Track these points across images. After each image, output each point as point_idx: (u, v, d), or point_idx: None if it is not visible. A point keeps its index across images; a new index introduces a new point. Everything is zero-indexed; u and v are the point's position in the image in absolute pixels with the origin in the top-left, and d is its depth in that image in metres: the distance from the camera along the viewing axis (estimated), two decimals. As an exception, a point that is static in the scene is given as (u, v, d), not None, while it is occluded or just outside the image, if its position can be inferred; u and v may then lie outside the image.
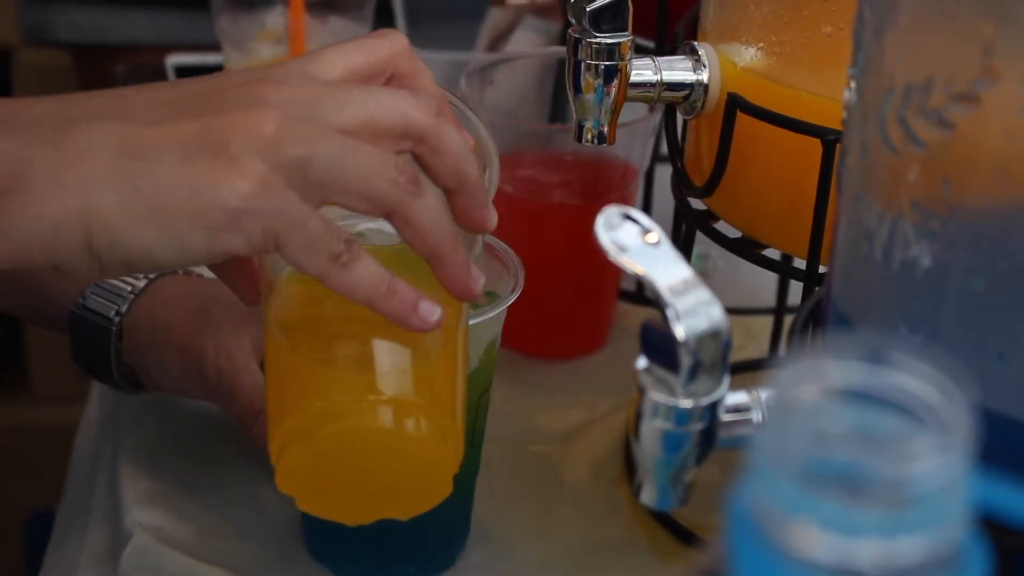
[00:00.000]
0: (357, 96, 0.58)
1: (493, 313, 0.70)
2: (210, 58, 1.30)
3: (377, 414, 0.58)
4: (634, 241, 0.49)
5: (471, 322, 0.65)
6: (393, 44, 0.62)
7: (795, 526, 0.27)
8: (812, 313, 0.59)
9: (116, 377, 0.82)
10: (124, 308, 0.80)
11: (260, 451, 0.81)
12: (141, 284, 0.81)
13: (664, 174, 0.88)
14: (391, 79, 0.62)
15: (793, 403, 0.28)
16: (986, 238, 0.46)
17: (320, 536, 0.77)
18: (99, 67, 1.54)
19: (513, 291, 0.71)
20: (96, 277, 0.76)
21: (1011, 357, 0.46)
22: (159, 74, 1.32)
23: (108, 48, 1.61)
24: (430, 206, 0.57)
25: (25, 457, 1.74)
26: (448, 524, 0.77)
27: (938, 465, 0.27)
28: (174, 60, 1.34)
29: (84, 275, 0.57)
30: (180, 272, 0.83)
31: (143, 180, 0.55)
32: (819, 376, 0.29)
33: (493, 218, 0.60)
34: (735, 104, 0.72)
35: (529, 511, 0.81)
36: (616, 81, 0.73)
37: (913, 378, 0.28)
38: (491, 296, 0.73)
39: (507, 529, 0.80)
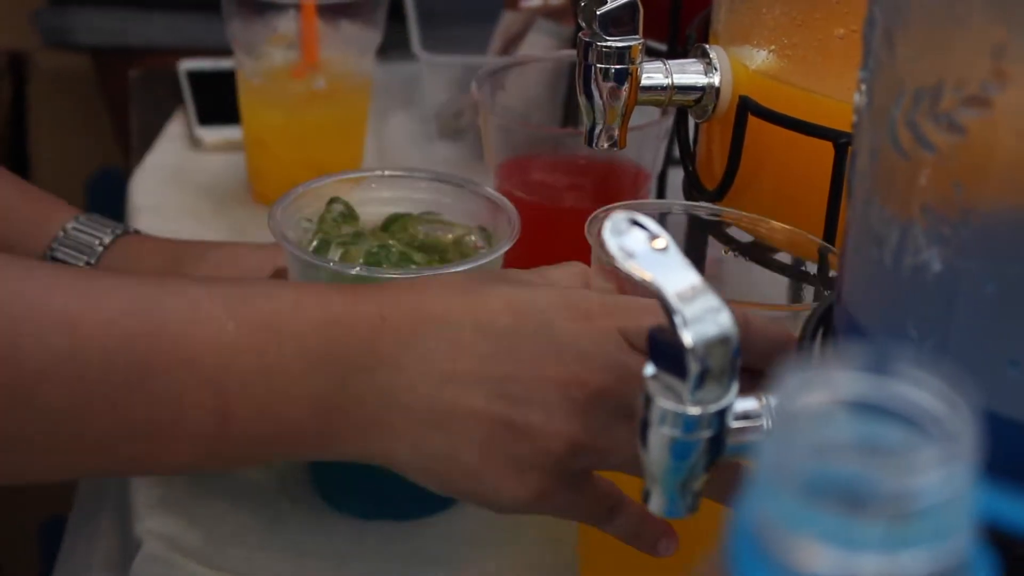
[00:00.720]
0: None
1: (493, 256, 0.73)
2: (223, 63, 1.30)
3: None
4: (641, 247, 0.49)
5: (468, 267, 0.71)
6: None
7: (798, 541, 0.27)
8: (823, 318, 0.58)
9: None
10: (94, 260, 0.83)
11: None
12: (108, 238, 0.84)
13: (677, 177, 0.87)
14: None
15: (796, 415, 0.27)
16: (998, 243, 0.45)
17: (327, 478, 0.80)
18: (117, 70, 1.54)
19: (511, 237, 0.75)
20: None
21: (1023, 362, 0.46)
22: (172, 79, 1.32)
23: (126, 51, 1.61)
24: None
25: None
26: None
27: (943, 477, 0.26)
28: (187, 65, 1.34)
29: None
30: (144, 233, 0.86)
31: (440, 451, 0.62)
32: (822, 387, 0.28)
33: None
34: (747, 107, 0.72)
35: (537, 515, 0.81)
36: (627, 85, 0.73)
37: (918, 389, 0.28)
38: (489, 240, 0.78)
39: (516, 534, 0.79)
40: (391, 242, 0.77)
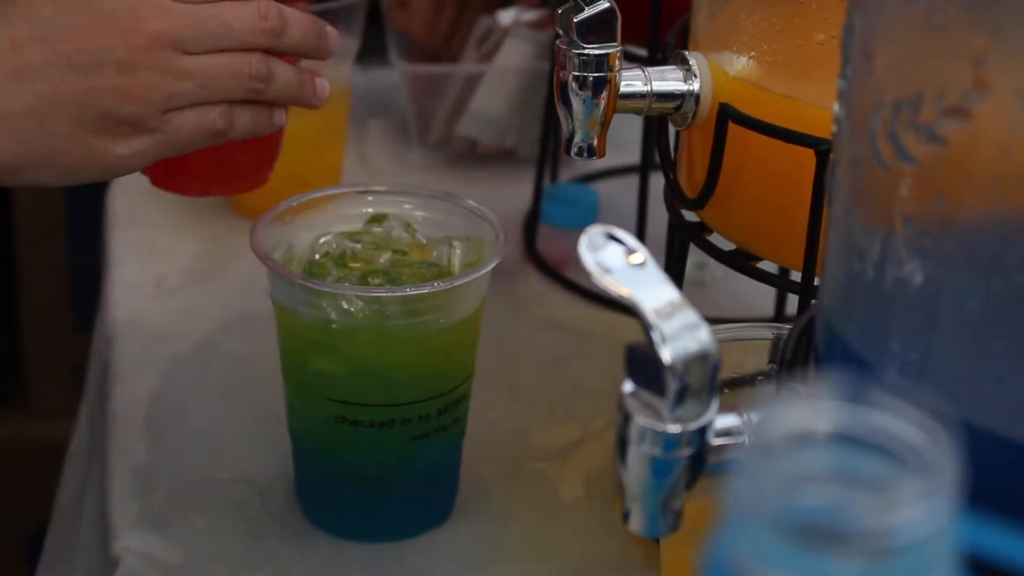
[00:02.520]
0: (212, 31, 0.70)
1: (483, 272, 0.75)
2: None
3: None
4: (618, 262, 0.48)
5: (463, 280, 0.74)
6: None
7: (773, 578, 0.26)
8: (805, 330, 0.57)
9: None
10: None
11: (253, 473, 0.80)
12: None
13: (659, 184, 0.86)
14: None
15: (769, 448, 0.26)
16: (980, 256, 0.45)
17: (310, 494, 0.80)
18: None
19: (498, 251, 0.76)
20: None
21: (1008, 377, 0.45)
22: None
23: None
24: (281, 84, 0.73)
25: (27, 473, 1.73)
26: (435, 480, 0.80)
27: (925, 512, 0.25)
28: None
29: None
30: None
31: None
32: (799, 418, 0.27)
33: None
34: (727, 114, 0.71)
35: (524, 530, 0.80)
36: (605, 93, 0.72)
37: (897, 419, 0.27)
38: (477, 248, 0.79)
39: (503, 549, 0.79)
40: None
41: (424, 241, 0.79)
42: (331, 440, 0.76)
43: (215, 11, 0.69)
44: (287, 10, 0.72)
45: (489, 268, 0.75)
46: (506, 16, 1.10)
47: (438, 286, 0.73)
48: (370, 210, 0.81)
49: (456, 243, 0.79)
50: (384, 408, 0.75)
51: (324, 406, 0.75)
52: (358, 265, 0.77)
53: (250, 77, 0.70)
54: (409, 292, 0.73)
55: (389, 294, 0.73)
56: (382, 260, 0.78)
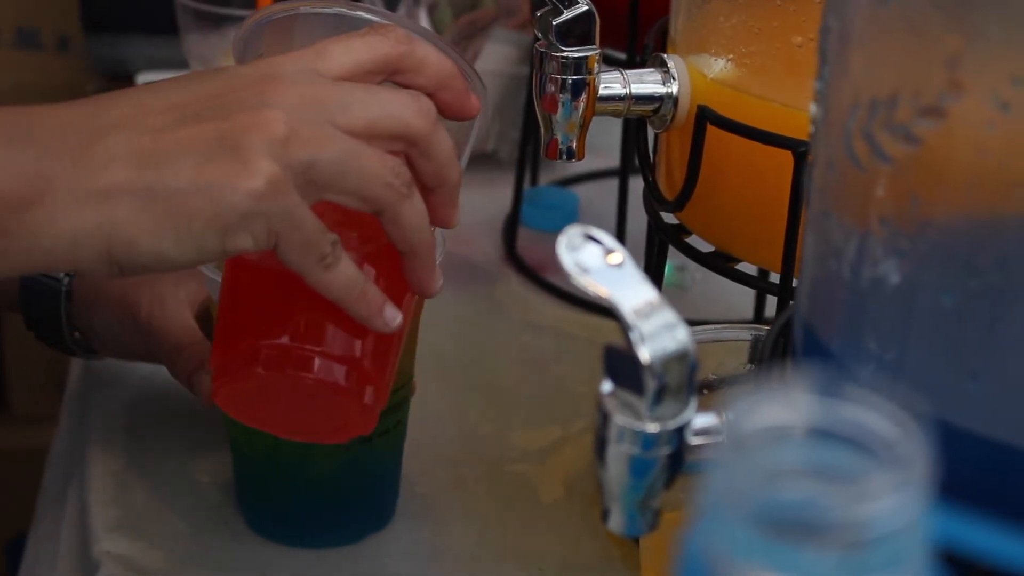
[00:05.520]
0: (361, 98, 0.60)
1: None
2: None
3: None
4: (597, 262, 0.48)
5: None
6: (396, 44, 0.63)
7: (749, 573, 0.26)
8: (783, 330, 0.57)
9: (68, 341, 0.85)
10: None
11: (233, 477, 0.80)
12: None
13: (639, 187, 0.87)
14: (395, 73, 0.64)
15: (744, 442, 0.27)
16: (956, 255, 0.45)
17: (255, 505, 0.80)
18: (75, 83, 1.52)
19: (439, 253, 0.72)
20: (116, 277, 0.78)
21: (983, 376, 0.45)
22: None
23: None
24: (417, 208, 0.61)
25: (6, 480, 1.73)
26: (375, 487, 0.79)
27: (897, 505, 0.26)
28: (145, 79, 1.32)
29: (105, 277, 0.64)
30: None
31: (160, 189, 0.57)
32: (773, 411, 0.27)
33: (458, 216, 0.65)
34: (705, 117, 0.71)
35: (505, 532, 0.80)
36: (584, 95, 0.72)
37: (871, 413, 0.27)
38: None
39: (483, 551, 0.79)
40: None
41: None
42: (272, 447, 0.76)
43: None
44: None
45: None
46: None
47: None
48: None
49: None
50: None
51: None
52: None
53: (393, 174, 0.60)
54: None
55: None
56: None
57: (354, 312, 0.61)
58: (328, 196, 0.59)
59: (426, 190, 0.62)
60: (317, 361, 0.62)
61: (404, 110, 0.61)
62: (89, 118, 0.59)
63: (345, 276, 0.60)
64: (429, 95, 0.63)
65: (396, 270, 0.63)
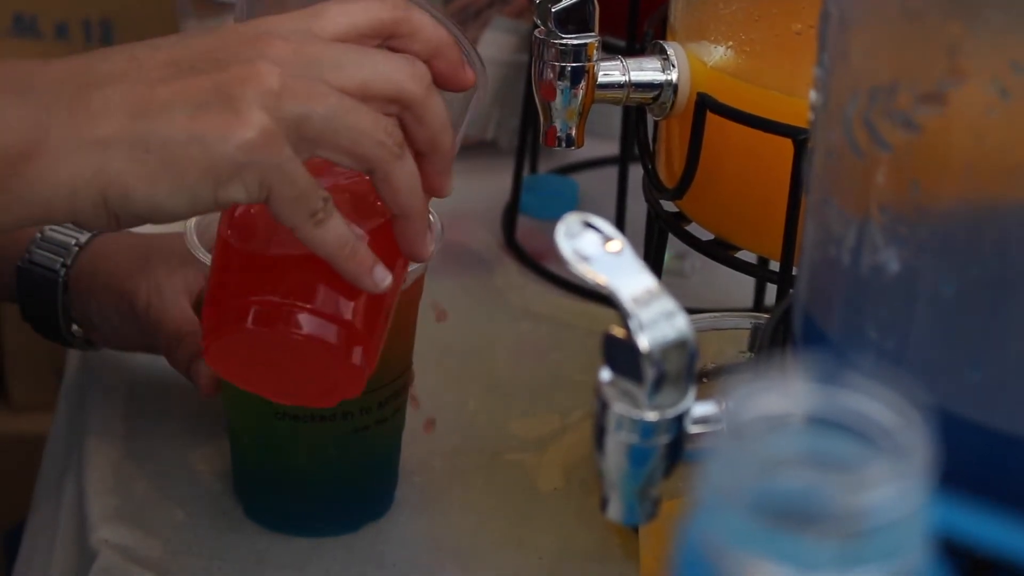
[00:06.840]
0: (355, 58, 0.60)
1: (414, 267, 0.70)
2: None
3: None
4: (596, 250, 0.48)
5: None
6: (392, 9, 0.63)
7: (747, 561, 0.26)
8: (783, 318, 0.57)
9: (65, 332, 0.84)
10: (69, 260, 0.83)
11: (231, 466, 0.80)
12: (84, 238, 0.83)
13: (639, 175, 0.86)
14: (390, 38, 0.64)
15: (743, 430, 0.26)
16: (956, 242, 0.45)
17: (253, 494, 0.79)
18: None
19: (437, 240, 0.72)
20: (114, 230, 0.76)
21: (983, 364, 0.45)
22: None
23: None
24: (409, 170, 0.61)
25: (4, 468, 1.73)
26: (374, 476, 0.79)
27: (896, 493, 0.26)
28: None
29: (103, 229, 0.66)
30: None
31: (154, 138, 0.58)
32: (773, 400, 0.27)
33: (451, 185, 0.64)
34: (705, 104, 0.71)
35: (503, 521, 0.80)
36: (583, 83, 0.72)
37: (870, 401, 0.27)
38: None
39: (481, 541, 0.79)
40: None
41: None
42: (271, 436, 0.76)
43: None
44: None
45: (421, 266, 0.72)
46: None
47: None
48: None
49: None
50: None
51: (263, 402, 0.70)
52: None
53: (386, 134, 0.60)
54: None
55: None
56: None
57: (344, 270, 0.61)
58: (320, 152, 0.59)
59: (419, 156, 0.62)
60: (307, 318, 0.62)
61: (398, 73, 0.61)
62: (85, 71, 0.59)
63: (335, 233, 0.60)
64: (424, 62, 0.63)
65: (388, 235, 0.63)
